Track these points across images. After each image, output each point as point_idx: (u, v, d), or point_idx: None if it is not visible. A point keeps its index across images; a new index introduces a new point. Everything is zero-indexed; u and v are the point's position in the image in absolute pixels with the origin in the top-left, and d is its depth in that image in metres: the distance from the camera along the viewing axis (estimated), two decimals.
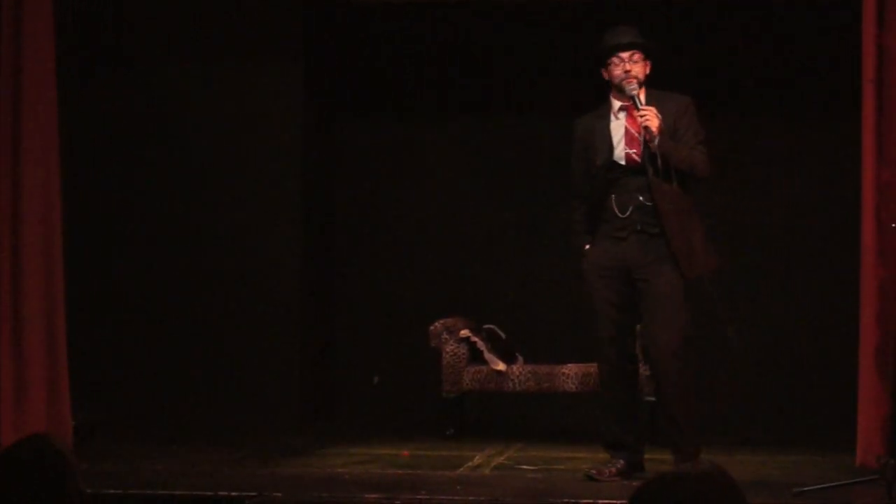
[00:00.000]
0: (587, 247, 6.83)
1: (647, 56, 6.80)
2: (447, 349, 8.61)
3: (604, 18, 8.79)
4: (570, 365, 8.55)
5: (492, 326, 8.80)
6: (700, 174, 6.77)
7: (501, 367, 8.54)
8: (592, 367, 8.54)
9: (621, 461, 6.79)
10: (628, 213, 6.70)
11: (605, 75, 6.83)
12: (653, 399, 8.43)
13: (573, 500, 6.14)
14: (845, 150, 8.14)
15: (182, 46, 8.99)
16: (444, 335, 8.63)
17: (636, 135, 6.72)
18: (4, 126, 7.59)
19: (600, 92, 6.95)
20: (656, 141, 6.61)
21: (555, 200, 9.22)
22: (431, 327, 8.69)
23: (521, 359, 8.76)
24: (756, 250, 9.22)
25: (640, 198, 6.67)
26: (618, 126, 6.79)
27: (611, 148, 6.76)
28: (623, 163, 6.73)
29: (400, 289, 9.45)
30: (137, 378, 8.88)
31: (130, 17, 9.03)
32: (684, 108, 6.79)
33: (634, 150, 6.72)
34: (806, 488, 6.31)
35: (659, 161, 6.59)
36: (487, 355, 8.56)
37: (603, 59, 6.79)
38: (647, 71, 6.80)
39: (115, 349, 8.90)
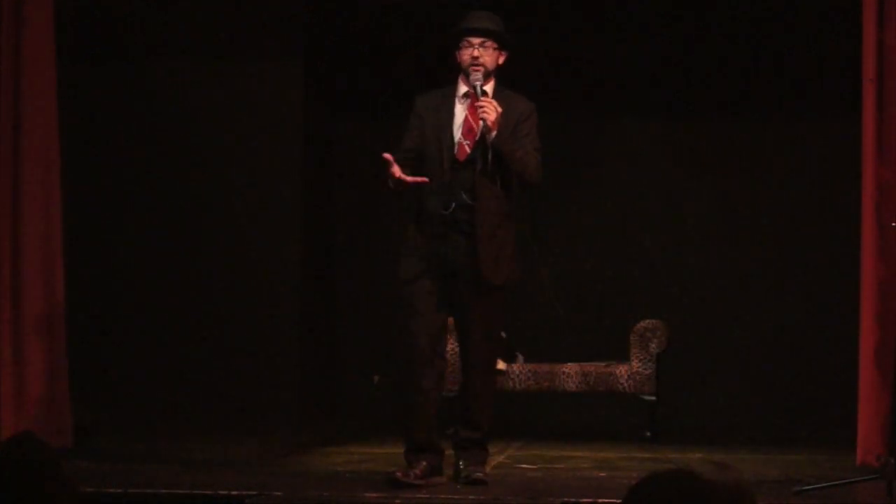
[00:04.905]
0: (407, 240, 6.57)
1: (503, 47, 6.56)
2: (447, 348, 8.57)
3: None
4: (570, 364, 8.55)
5: None
6: (530, 179, 6.52)
7: (502, 366, 8.53)
8: (592, 367, 8.55)
9: (424, 462, 6.51)
10: (451, 210, 6.44)
11: (458, 58, 6.56)
12: (653, 398, 8.45)
13: (573, 500, 6.13)
14: (845, 150, 8.13)
15: (183, 46, 8.98)
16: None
17: (473, 126, 6.47)
18: (5, 123, 7.59)
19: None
20: (492, 134, 6.37)
21: (555, 200, 9.21)
22: None
23: (521, 358, 8.76)
24: (756, 250, 9.21)
25: (464, 195, 6.41)
26: (459, 112, 6.55)
27: (450, 132, 6.50)
28: (455, 152, 6.48)
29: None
30: (137, 378, 8.87)
31: (131, 16, 9.02)
32: (529, 112, 6.54)
33: (468, 142, 6.48)
34: (806, 487, 6.31)
35: (490, 157, 6.36)
36: None
37: (456, 41, 6.55)
38: (500, 62, 6.56)
39: (115, 349, 8.90)
